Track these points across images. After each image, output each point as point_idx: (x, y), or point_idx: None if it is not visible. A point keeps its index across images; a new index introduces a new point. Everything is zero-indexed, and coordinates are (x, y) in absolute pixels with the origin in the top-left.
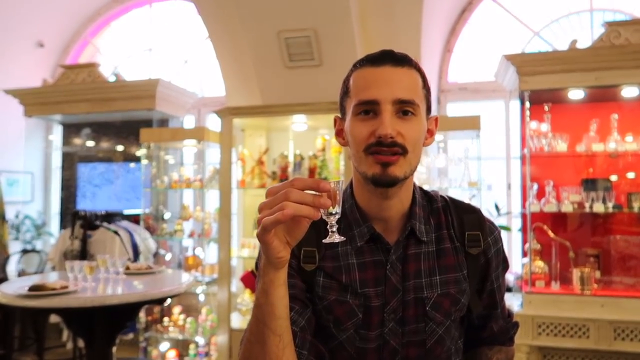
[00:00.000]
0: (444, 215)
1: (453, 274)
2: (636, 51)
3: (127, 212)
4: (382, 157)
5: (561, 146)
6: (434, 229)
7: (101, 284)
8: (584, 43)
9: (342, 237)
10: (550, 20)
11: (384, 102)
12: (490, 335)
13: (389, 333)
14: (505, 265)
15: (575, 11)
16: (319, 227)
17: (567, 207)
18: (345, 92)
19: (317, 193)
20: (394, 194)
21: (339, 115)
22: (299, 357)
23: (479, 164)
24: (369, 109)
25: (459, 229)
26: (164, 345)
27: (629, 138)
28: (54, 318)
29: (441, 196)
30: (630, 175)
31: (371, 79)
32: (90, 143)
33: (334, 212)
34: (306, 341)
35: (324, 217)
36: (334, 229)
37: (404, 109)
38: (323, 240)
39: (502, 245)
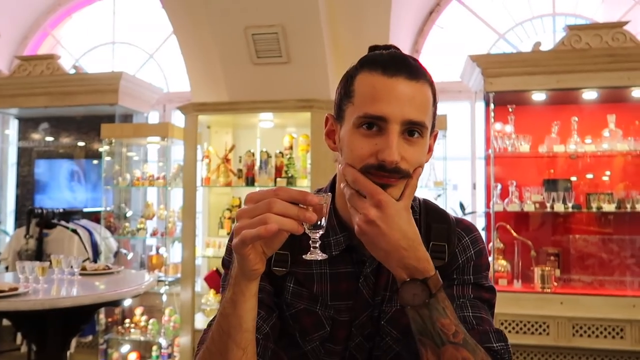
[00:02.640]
0: (418, 225)
1: None
2: (596, 55)
3: (87, 210)
4: (382, 179)
5: (524, 147)
6: None
7: (54, 285)
8: (546, 46)
9: (325, 255)
10: (515, 23)
11: (392, 121)
12: None
13: (356, 348)
14: (479, 276)
15: (538, 15)
16: None
17: (529, 207)
18: (347, 95)
19: (302, 206)
20: None
21: (332, 114)
22: None
23: (445, 163)
24: (373, 123)
25: (425, 238)
26: (125, 348)
27: (588, 140)
28: (7, 321)
29: (420, 203)
30: (589, 176)
31: (381, 91)
32: (49, 138)
33: (319, 226)
34: (268, 349)
35: (307, 232)
36: (317, 245)
37: (411, 129)
38: (304, 256)
39: (474, 253)
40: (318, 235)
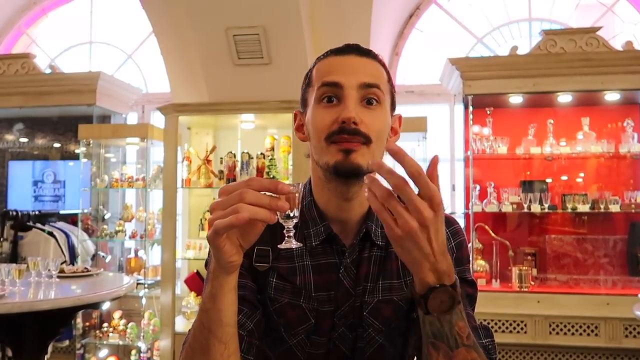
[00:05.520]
0: None
1: (397, 280)
2: (570, 60)
3: (63, 212)
4: (345, 144)
5: (502, 149)
6: None
7: (32, 288)
8: (523, 50)
9: (299, 243)
10: (493, 27)
11: (348, 87)
12: None
13: (339, 338)
14: (462, 269)
15: (515, 20)
16: (274, 226)
17: (507, 208)
18: (308, 83)
19: (275, 195)
20: (354, 195)
21: (300, 110)
22: None
23: (425, 165)
24: (332, 94)
25: None
26: (103, 352)
27: (563, 142)
28: None
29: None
30: (564, 177)
31: (335, 65)
32: (24, 139)
33: (291, 216)
34: (252, 346)
35: (281, 221)
36: (291, 234)
37: (368, 95)
38: (279, 245)
39: (455, 245)
40: (292, 224)
